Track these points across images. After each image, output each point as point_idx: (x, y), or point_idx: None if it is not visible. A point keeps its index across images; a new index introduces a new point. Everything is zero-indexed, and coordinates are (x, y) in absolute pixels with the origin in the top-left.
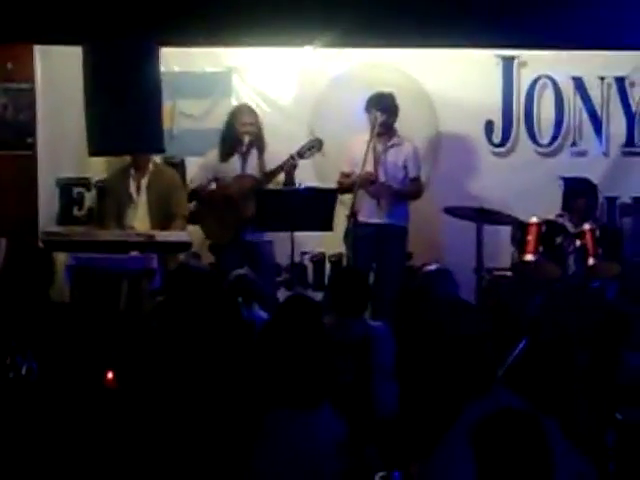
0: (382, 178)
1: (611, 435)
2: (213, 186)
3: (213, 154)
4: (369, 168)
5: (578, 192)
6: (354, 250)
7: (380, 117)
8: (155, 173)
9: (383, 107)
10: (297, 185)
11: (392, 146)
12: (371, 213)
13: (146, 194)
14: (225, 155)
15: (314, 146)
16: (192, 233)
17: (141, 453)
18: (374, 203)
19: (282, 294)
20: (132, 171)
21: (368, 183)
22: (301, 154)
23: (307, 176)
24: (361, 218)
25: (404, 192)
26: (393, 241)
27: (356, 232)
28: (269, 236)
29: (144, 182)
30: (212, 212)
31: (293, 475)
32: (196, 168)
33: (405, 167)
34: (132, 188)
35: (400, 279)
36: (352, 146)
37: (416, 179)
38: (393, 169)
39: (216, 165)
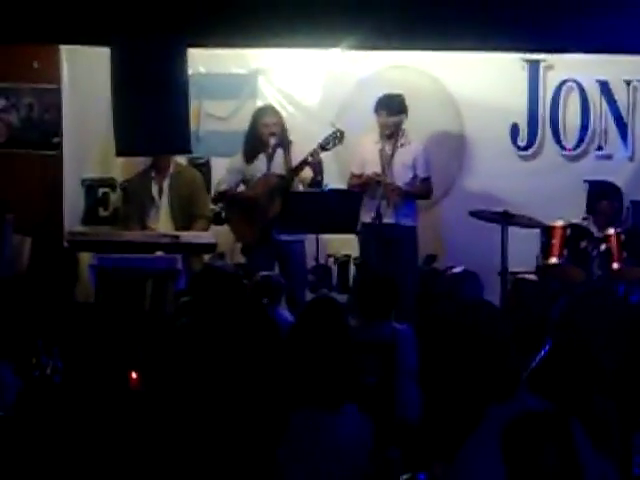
0: (390, 179)
1: (638, 438)
2: (241, 188)
3: (239, 156)
4: (377, 169)
5: (601, 195)
6: (365, 251)
7: (389, 118)
8: (177, 174)
9: (391, 108)
10: (324, 186)
11: (400, 146)
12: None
13: (168, 196)
14: (250, 157)
15: (336, 137)
16: (219, 234)
17: (165, 453)
18: (383, 204)
19: (307, 296)
20: (153, 173)
21: (375, 184)
22: (323, 146)
23: (332, 179)
24: (369, 219)
25: (413, 192)
26: (403, 241)
27: (366, 233)
28: (300, 236)
29: (166, 184)
30: (239, 213)
31: (316, 475)
32: (223, 171)
33: (414, 167)
34: (154, 190)
35: (414, 279)
36: (360, 147)
37: (426, 179)
38: (401, 170)
39: (242, 167)
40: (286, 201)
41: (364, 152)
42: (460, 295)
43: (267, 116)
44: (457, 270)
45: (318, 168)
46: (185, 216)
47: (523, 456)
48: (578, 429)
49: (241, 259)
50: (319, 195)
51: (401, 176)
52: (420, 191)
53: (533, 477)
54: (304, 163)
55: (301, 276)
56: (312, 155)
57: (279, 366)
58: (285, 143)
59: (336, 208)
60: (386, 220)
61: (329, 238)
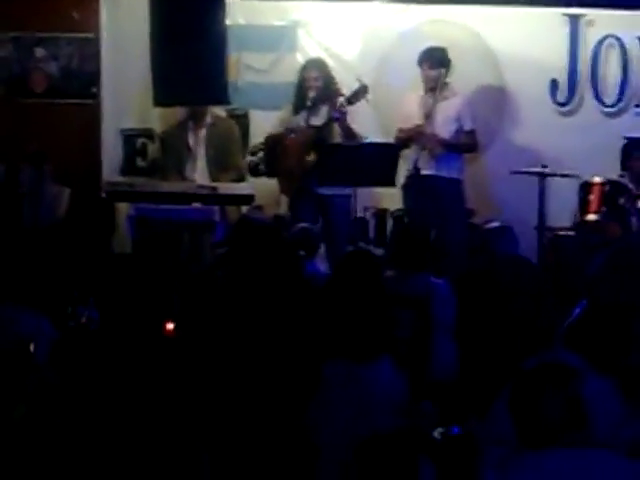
0: (431, 131)
1: None
2: (292, 136)
3: (288, 107)
4: (419, 122)
5: (634, 151)
6: (406, 203)
7: (431, 71)
8: (213, 125)
9: (434, 61)
10: (362, 139)
11: (443, 100)
12: (423, 165)
13: (204, 147)
14: (296, 108)
15: (360, 91)
16: (257, 186)
17: (199, 403)
18: (425, 155)
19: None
20: (190, 124)
21: (417, 135)
22: (350, 100)
23: (373, 133)
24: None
25: (455, 144)
26: (445, 193)
27: (409, 185)
28: (346, 191)
29: (202, 134)
30: (279, 164)
31: (349, 426)
32: (262, 123)
33: (458, 120)
34: (191, 141)
35: (462, 234)
36: (405, 102)
37: (471, 132)
38: (444, 122)
39: (288, 118)
40: (320, 153)
41: (406, 106)
42: (494, 250)
43: (308, 70)
44: (492, 225)
45: (343, 121)
46: (220, 167)
47: (523, 406)
48: (608, 387)
49: (279, 211)
50: (353, 148)
51: (443, 129)
52: (465, 144)
53: (532, 426)
54: (332, 119)
55: (343, 230)
56: (338, 110)
57: (313, 318)
58: (331, 97)
59: (372, 161)
60: (430, 172)
61: (366, 191)
